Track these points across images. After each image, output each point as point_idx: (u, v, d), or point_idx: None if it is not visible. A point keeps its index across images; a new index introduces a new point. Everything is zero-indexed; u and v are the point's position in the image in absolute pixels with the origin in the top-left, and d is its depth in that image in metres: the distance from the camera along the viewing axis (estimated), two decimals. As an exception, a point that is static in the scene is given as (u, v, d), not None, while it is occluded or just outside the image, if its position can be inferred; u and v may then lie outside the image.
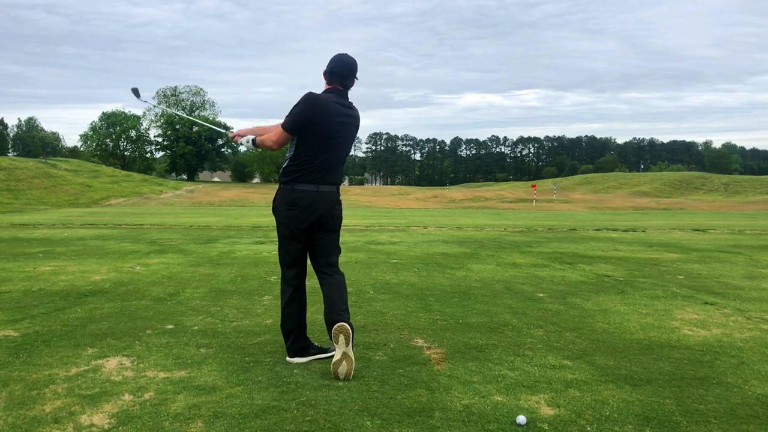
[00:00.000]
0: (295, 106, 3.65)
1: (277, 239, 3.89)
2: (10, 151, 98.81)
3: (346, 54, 3.75)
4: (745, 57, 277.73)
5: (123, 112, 78.01)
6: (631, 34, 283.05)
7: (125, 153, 79.10)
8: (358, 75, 3.75)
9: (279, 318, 5.02)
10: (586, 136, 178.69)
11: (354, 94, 3.83)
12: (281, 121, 3.73)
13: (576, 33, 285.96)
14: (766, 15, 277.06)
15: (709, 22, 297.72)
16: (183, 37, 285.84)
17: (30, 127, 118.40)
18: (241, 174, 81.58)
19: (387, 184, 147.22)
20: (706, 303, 5.82)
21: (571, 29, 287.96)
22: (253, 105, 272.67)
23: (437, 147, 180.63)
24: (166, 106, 78.87)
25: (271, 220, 21.02)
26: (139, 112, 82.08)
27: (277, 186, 3.87)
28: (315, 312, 5.29)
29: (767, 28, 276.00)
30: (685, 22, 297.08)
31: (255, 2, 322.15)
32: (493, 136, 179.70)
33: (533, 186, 59.84)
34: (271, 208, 3.93)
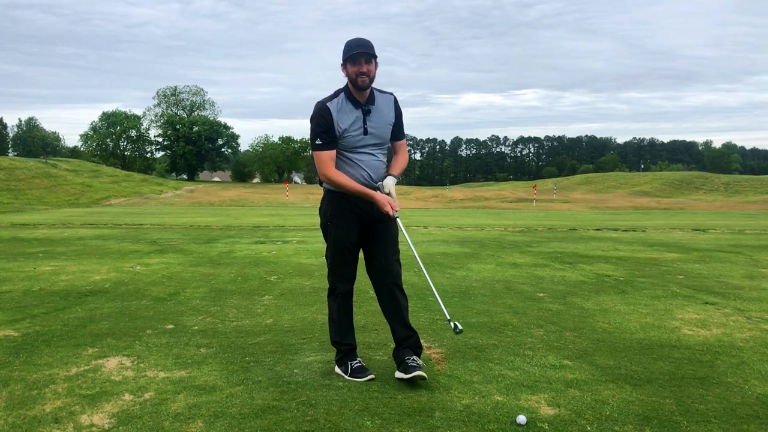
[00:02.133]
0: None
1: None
2: (10, 151, 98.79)
3: None
4: (743, 57, 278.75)
5: (123, 112, 77.92)
6: (627, 34, 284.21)
7: (125, 153, 79.04)
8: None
9: (278, 318, 5.04)
10: (586, 135, 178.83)
11: None
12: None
13: (572, 33, 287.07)
14: (761, 15, 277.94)
15: (705, 21, 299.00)
16: (180, 37, 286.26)
17: (30, 127, 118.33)
18: (241, 174, 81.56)
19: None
20: (707, 303, 5.82)
21: (567, 29, 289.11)
22: (252, 105, 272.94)
23: (437, 147, 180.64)
24: (166, 107, 78.73)
25: (270, 220, 20.76)
26: (139, 112, 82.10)
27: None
28: (315, 312, 5.30)
29: (763, 28, 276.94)
30: (681, 22, 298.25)
31: (251, 2, 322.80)
32: (493, 135, 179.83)
33: (534, 186, 59.80)
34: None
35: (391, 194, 3.50)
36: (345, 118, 3.42)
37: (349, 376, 3.48)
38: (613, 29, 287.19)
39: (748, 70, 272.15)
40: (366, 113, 3.44)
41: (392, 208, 3.44)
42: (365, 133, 3.44)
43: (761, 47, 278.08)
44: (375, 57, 3.38)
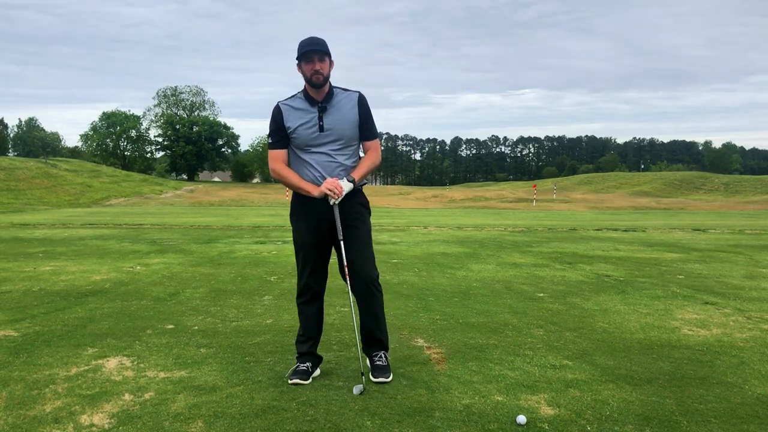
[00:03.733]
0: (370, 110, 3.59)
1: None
2: (10, 151, 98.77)
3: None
4: (739, 57, 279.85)
5: (123, 112, 77.86)
6: (623, 34, 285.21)
7: (125, 153, 79.00)
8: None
9: (278, 318, 5.04)
10: (586, 135, 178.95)
11: None
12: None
13: (568, 33, 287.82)
14: (755, 15, 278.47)
15: (700, 21, 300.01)
16: (177, 37, 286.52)
17: (30, 127, 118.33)
18: (241, 174, 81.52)
19: (387, 184, 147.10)
20: (707, 303, 5.82)
21: (563, 29, 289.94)
22: (251, 105, 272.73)
23: (437, 147, 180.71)
24: (166, 107, 78.70)
25: (271, 220, 20.61)
26: (137, 112, 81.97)
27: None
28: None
29: (758, 28, 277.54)
30: (676, 22, 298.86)
31: (247, 2, 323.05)
32: (493, 135, 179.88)
33: (534, 186, 59.76)
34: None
35: (333, 192, 3.35)
36: (296, 115, 3.45)
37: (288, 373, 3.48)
38: (609, 29, 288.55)
39: (745, 70, 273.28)
40: (322, 110, 3.44)
41: (331, 192, 3.32)
42: (321, 129, 3.43)
43: (757, 47, 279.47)
44: (328, 55, 3.41)
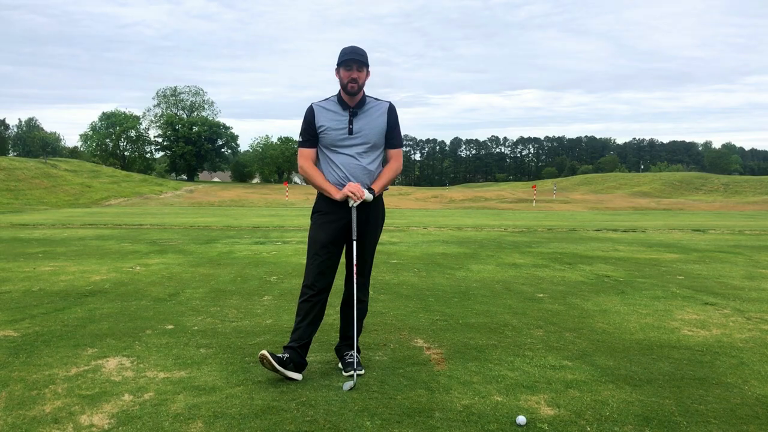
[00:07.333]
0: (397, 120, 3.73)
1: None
2: (10, 151, 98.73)
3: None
4: (735, 58, 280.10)
5: (122, 112, 77.84)
6: (616, 35, 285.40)
7: (125, 153, 79.01)
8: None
9: (278, 318, 5.04)
10: (586, 136, 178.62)
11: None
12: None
13: (562, 33, 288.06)
14: (748, 16, 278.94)
15: (693, 22, 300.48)
16: (172, 37, 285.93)
17: (30, 127, 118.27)
18: (241, 174, 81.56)
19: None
20: (706, 303, 5.83)
21: (557, 30, 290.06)
22: (248, 105, 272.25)
23: (437, 147, 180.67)
24: (166, 107, 78.72)
25: (270, 221, 20.63)
26: (136, 112, 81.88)
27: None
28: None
29: (750, 29, 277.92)
30: (668, 23, 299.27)
31: (240, 3, 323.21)
32: (492, 136, 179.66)
33: (533, 186, 59.76)
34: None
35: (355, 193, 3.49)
36: (327, 116, 3.59)
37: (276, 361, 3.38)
38: (602, 30, 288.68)
39: (740, 70, 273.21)
40: (353, 115, 3.59)
41: (354, 194, 3.46)
42: (350, 132, 3.58)
43: (751, 48, 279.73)
44: (366, 66, 3.57)
